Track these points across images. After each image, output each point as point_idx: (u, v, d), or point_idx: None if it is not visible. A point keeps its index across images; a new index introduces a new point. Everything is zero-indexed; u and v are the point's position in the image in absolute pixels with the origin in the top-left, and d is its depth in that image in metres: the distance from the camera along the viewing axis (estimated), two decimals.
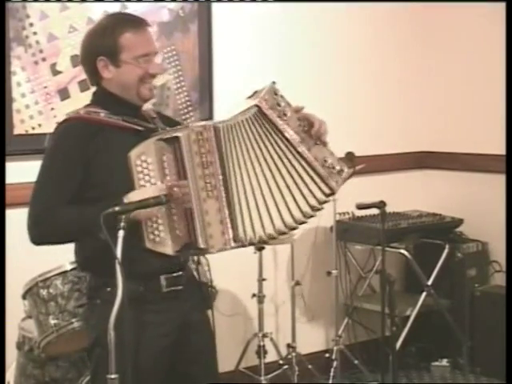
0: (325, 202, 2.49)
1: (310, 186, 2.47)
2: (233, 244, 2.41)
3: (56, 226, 2.39)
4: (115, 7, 3.80)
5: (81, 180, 2.40)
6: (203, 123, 2.41)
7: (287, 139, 2.44)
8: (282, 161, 2.45)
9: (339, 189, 2.51)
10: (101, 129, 2.42)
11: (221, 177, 2.38)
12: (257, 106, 2.42)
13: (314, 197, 2.47)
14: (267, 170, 2.43)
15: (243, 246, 2.43)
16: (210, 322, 2.64)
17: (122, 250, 2.20)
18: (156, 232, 2.35)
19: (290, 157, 2.45)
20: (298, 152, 2.45)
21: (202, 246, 2.36)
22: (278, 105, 2.46)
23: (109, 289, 2.38)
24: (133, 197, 2.31)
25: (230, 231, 2.39)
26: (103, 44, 2.43)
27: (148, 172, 2.35)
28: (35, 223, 2.39)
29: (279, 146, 2.44)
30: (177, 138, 2.35)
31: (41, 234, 2.40)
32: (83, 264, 2.55)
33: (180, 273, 2.48)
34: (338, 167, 2.49)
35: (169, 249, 2.36)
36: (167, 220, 2.35)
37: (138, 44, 2.42)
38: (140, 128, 2.46)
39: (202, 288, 2.60)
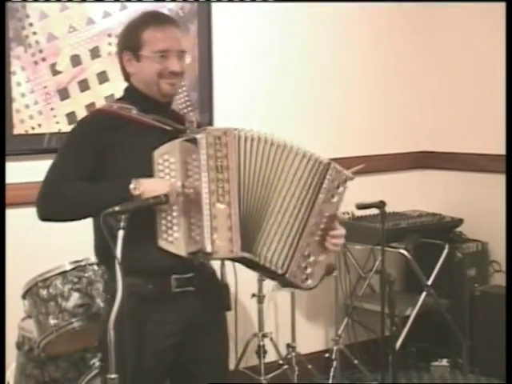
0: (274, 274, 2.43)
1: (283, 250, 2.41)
2: (239, 253, 2.36)
3: (64, 198, 2.38)
4: (115, 7, 3.80)
5: (94, 167, 2.41)
6: (225, 128, 2.39)
7: (311, 209, 2.40)
8: (295, 208, 2.41)
9: (287, 279, 2.40)
10: (126, 123, 2.45)
11: (236, 184, 2.36)
12: (329, 162, 2.42)
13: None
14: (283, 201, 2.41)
15: (251, 259, 2.39)
16: (224, 324, 2.62)
17: (124, 249, 2.21)
18: (170, 232, 2.35)
19: (299, 215, 2.40)
20: (305, 222, 2.40)
21: (208, 250, 2.33)
22: (337, 186, 2.43)
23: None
24: (144, 182, 2.33)
25: (239, 239, 2.35)
26: (128, 39, 2.49)
27: (169, 171, 2.36)
28: (43, 196, 2.40)
29: (302, 205, 2.41)
30: (195, 139, 2.35)
31: (48, 207, 2.40)
32: (98, 256, 2.55)
33: (191, 274, 2.46)
34: (309, 270, 2.41)
35: (182, 250, 2.35)
36: (183, 221, 2.35)
37: (159, 39, 2.45)
38: (168, 128, 2.47)
39: (223, 289, 2.57)
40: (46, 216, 2.42)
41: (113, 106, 2.50)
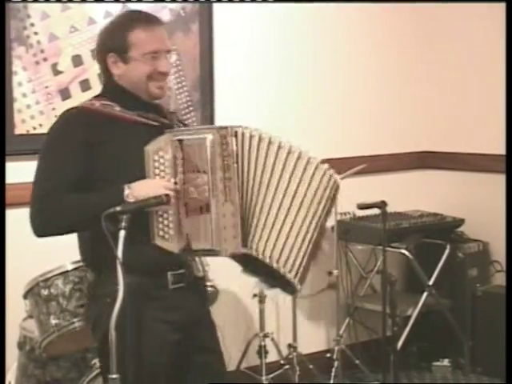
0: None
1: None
2: (242, 249, 2.37)
3: (57, 212, 2.35)
4: (116, 7, 3.80)
5: (83, 169, 2.38)
6: (227, 126, 2.38)
7: (324, 220, 2.45)
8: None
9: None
10: (110, 121, 2.43)
11: (237, 181, 2.36)
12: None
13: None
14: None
15: (251, 254, 2.40)
16: (211, 315, 2.66)
17: (122, 249, 2.21)
18: (166, 229, 2.36)
19: (312, 224, 2.42)
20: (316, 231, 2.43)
21: (216, 248, 2.34)
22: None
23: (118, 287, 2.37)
24: (136, 188, 2.32)
25: (240, 236, 2.36)
26: (113, 41, 2.45)
27: (164, 168, 2.37)
28: (36, 211, 2.37)
29: (315, 214, 2.43)
30: (204, 138, 2.33)
31: (43, 223, 2.37)
32: (90, 261, 2.53)
33: (183, 270, 2.49)
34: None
35: (175, 247, 2.37)
36: (177, 218, 2.36)
37: (147, 41, 2.42)
38: (155, 123, 2.47)
39: (199, 283, 2.61)
40: (42, 233, 2.39)
41: (94, 104, 2.47)
